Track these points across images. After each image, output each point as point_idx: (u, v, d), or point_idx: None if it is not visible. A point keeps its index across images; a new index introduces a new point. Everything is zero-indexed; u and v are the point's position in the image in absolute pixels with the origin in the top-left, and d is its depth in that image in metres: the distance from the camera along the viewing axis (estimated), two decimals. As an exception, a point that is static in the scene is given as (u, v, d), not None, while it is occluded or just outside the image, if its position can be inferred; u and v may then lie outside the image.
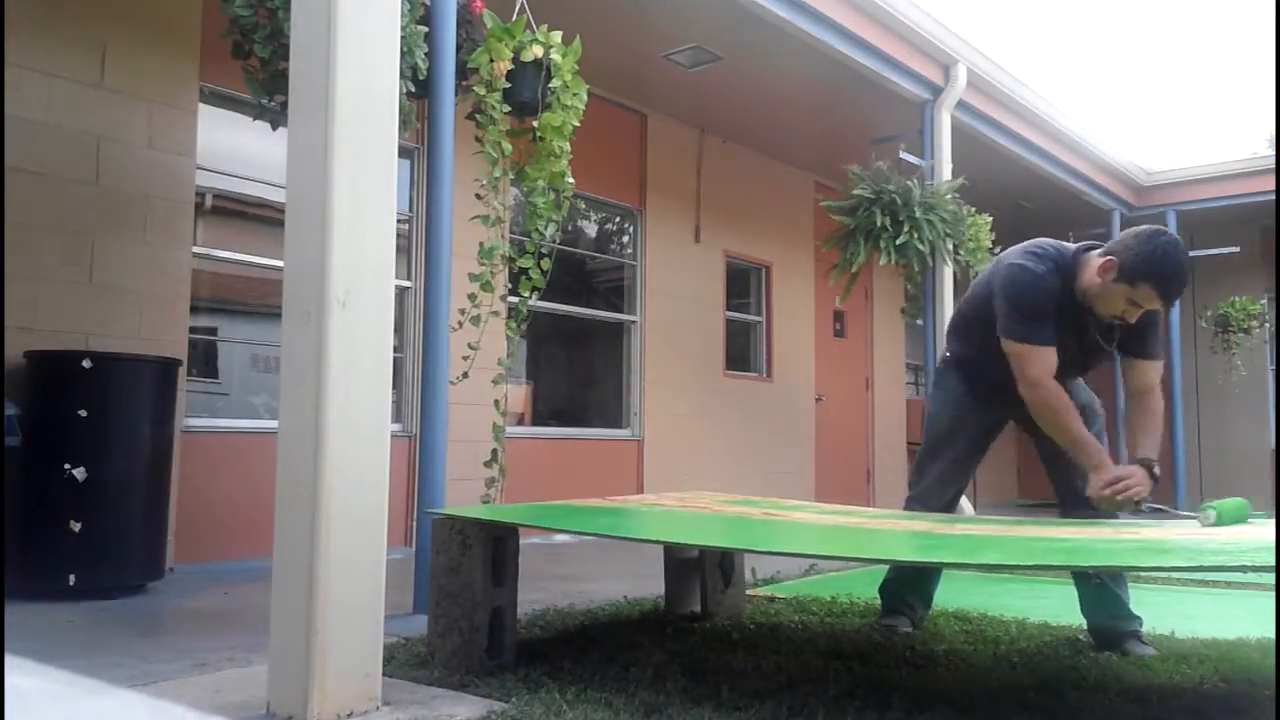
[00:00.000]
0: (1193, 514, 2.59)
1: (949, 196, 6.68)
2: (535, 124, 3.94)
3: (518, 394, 6.71)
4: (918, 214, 6.37)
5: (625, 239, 7.69)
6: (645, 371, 7.39)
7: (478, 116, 3.86)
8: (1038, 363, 2.84)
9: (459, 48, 3.82)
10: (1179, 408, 10.31)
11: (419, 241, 5.45)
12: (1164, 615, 3.39)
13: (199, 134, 4.77)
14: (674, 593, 3.52)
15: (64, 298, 4.23)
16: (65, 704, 2.31)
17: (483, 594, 2.59)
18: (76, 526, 3.70)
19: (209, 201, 5.03)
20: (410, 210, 5.76)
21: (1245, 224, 10.44)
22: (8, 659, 2.52)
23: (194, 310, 4.79)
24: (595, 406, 7.57)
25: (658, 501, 3.65)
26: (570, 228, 7.25)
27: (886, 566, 3.36)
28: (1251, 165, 9.95)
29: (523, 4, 4.05)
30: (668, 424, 7.50)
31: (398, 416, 5.49)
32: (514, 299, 4.17)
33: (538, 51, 3.91)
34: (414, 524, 3.90)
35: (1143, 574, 3.79)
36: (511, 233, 5.42)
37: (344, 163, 2.20)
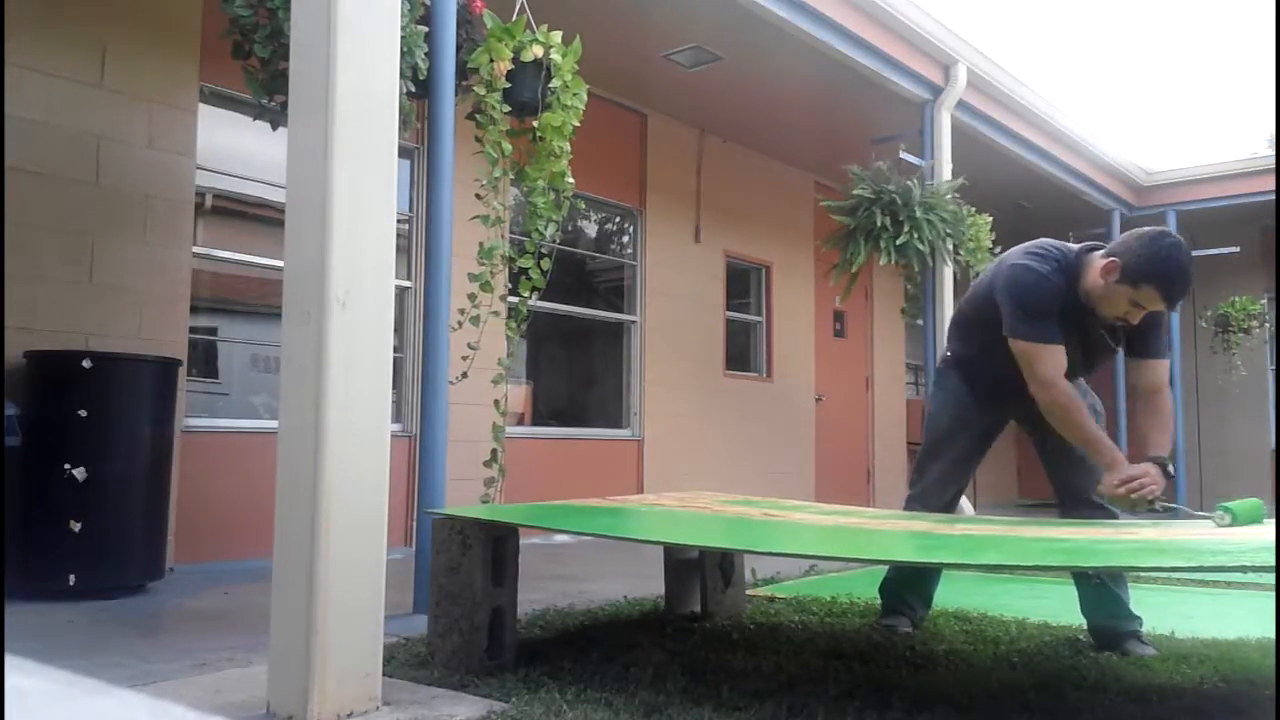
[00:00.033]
0: (1207, 514, 2.55)
1: (949, 196, 6.68)
2: (535, 124, 3.94)
3: (518, 394, 6.71)
4: (918, 214, 6.37)
5: (625, 239, 7.69)
6: (645, 371, 7.39)
7: (478, 116, 3.86)
8: (1048, 361, 2.83)
9: (459, 48, 3.82)
10: (1179, 408, 10.31)
11: (419, 241, 5.45)
12: (1164, 615, 3.38)
13: (199, 134, 4.77)
14: (674, 593, 3.52)
15: (64, 298, 4.24)
16: (65, 704, 2.31)
17: (483, 594, 2.59)
18: (76, 526, 3.70)
19: (209, 201, 5.03)
20: (410, 210, 5.76)
21: (1245, 224, 10.44)
22: (8, 659, 2.52)
23: (194, 310, 4.79)
24: (595, 406, 7.57)
25: (658, 501, 3.65)
26: (570, 228, 7.25)
27: (886, 567, 3.36)
28: (1251, 165, 9.94)
29: (523, 4, 4.05)
30: (668, 424, 7.50)
31: (398, 416, 5.49)
32: (514, 299, 4.17)
33: (538, 51, 3.91)
34: (414, 524, 3.89)
35: (1143, 574, 3.79)
36: (511, 233, 5.42)
37: (344, 163, 2.20)
